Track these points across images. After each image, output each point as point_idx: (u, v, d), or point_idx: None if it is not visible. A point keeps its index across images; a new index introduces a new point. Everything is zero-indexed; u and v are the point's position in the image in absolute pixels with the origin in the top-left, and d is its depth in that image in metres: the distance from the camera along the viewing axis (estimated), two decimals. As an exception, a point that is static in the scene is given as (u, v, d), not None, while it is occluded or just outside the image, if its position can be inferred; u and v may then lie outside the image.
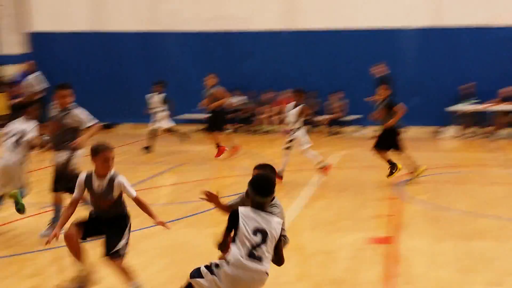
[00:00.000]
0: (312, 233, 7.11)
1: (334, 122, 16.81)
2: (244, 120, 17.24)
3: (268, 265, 4.07)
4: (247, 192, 4.21)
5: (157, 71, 17.38)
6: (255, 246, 4.00)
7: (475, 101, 15.83)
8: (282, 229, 4.19)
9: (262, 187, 4.16)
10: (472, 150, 13.95)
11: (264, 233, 4.03)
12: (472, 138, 15.37)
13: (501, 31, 16.12)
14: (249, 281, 4.00)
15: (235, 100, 17.26)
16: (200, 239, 6.70)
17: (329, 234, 7.00)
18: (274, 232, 4.07)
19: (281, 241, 4.21)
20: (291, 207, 8.14)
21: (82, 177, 5.00)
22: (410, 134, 16.80)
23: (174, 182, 10.50)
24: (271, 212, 4.22)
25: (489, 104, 15.60)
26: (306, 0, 17.23)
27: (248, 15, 17.51)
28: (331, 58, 16.92)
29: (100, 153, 4.90)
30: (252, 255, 3.99)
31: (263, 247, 4.01)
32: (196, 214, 7.82)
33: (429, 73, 16.53)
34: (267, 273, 4.06)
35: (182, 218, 7.68)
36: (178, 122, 17.94)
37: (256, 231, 4.03)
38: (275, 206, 4.46)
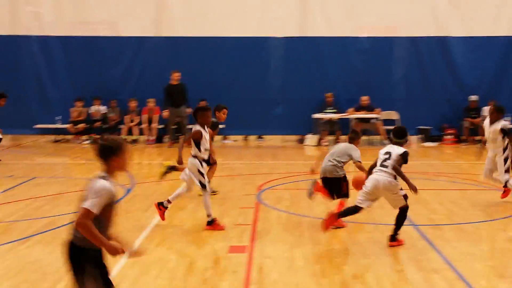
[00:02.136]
0: (172, 245, 6.99)
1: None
2: (108, 130, 16.76)
3: None
4: None
5: (16, 78, 16.48)
6: None
7: (332, 110, 16.58)
8: None
9: None
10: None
11: None
12: (328, 146, 16.05)
13: (361, 42, 17.05)
14: None
15: (97, 109, 16.76)
16: (53, 256, 6.33)
17: (190, 245, 6.94)
18: None
19: None
20: (152, 220, 7.98)
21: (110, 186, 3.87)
22: (275, 142, 17.39)
23: (26, 197, 9.87)
24: None
25: (347, 113, 16.45)
26: (174, 7, 17.07)
27: (114, 20, 17.06)
28: (198, 66, 16.89)
29: (126, 149, 3.99)
30: None
31: None
32: (50, 230, 7.42)
33: (295, 82, 17.05)
34: None
35: (34, 235, 7.25)
36: (38, 131, 17.20)
37: None
38: None
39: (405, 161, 6.87)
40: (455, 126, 16.78)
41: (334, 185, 7.85)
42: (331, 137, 16.57)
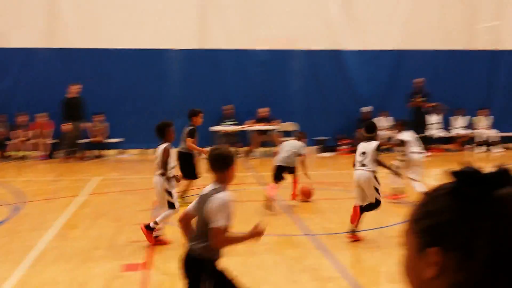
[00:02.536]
0: (64, 265, 6.65)
1: (94, 146, 16.31)
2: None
3: None
4: None
5: None
6: None
7: (231, 122, 16.64)
8: None
9: None
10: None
11: None
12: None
13: (259, 54, 17.22)
14: None
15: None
16: None
17: (83, 264, 6.63)
18: None
19: None
20: (42, 239, 7.57)
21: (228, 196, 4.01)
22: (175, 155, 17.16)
23: None
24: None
25: (246, 125, 16.54)
26: (68, 18, 16.53)
27: (2, 31, 16.23)
28: (94, 78, 16.38)
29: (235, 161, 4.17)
30: None
31: None
32: None
33: (194, 94, 16.91)
34: None
35: None
36: None
37: None
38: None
39: (380, 151, 7.72)
40: (350, 136, 17.32)
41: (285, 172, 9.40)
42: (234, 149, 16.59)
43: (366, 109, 17.23)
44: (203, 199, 4.00)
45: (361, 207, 7.54)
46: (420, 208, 1.20)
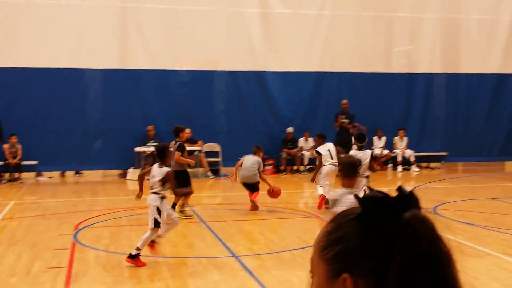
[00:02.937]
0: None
1: (10, 168, 15.64)
2: None
3: None
4: None
5: None
6: None
7: (154, 143, 16.35)
8: None
9: None
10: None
11: None
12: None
13: (181, 75, 17.10)
14: None
15: None
16: None
17: (-5, 294, 6.27)
18: None
19: None
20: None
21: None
22: (95, 177, 16.70)
23: None
24: None
25: (170, 146, 16.27)
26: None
27: None
28: (8, 98, 15.77)
29: None
30: None
31: None
32: None
33: (116, 115, 16.58)
34: None
35: None
36: None
37: None
38: None
39: (374, 159, 9.51)
40: (274, 157, 17.45)
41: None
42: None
43: (289, 129, 17.44)
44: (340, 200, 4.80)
45: None
46: (328, 235, 1.19)
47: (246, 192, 11.47)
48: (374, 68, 18.50)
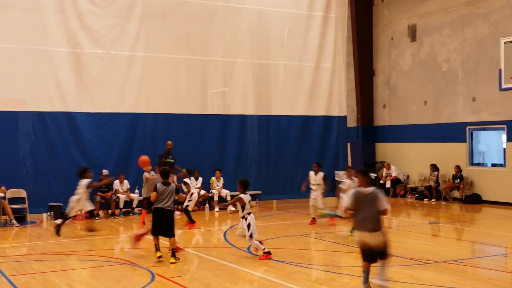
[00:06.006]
0: None
1: None
2: None
3: None
4: None
5: None
6: None
7: None
8: None
9: None
10: None
11: None
12: None
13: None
14: None
15: None
16: None
17: None
18: None
19: None
20: None
21: None
22: None
23: None
24: None
25: None
26: None
27: None
28: None
29: None
30: None
31: None
32: None
33: None
34: None
35: None
36: None
37: None
38: None
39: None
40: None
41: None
42: None
43: (105, 171, 16.78)
44: (372, 195, 7.44)
45: None
46: None
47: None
48: (190, 110, 18.67)
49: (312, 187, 14.53)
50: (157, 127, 18.11)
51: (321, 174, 14.46)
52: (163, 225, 10.11)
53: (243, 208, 10.34)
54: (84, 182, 13.37)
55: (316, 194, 14.40)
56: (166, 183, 10.25)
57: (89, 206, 13.79)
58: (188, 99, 18.78)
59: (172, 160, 16.83)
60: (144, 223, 14.27)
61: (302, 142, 20.40)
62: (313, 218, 14.65)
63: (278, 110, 20.12)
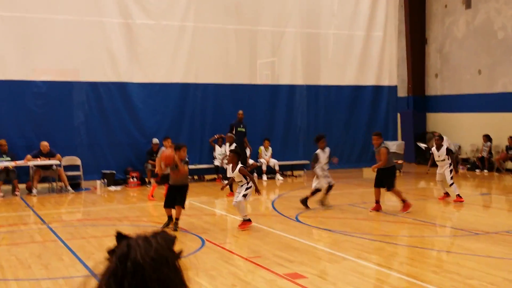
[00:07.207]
0: None
1: None
2: None
3: None
4: None
5: None
6: None
7: (6, 158, 15.31)
8: None
9: None
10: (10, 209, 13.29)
11: None
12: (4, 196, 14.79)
13: (37, 86, 16.16)
14: None
15: None
16: None
17: None
18: None
19: None
20: None
21: None
22: None
23: None
24: None
25: (25, 161, 15.32)
26: None
27: None
28: None
29: None
30: None
31: None
32: None
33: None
34: None
35: None
36: None
37: None
38: None
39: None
40: (139, 169, 17.06)
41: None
42: (7, 187, 15.25)
43: (155, 140, 17.09)
44: None
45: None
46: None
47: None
48: (238, 80, 18.73)
49: (437, 163, 14.04)
50: (207, 97, 18.25)
51: (444, 149, 13.97)
52: None
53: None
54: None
55: (442, 169, 13.83)
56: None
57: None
58: (237, 69, 18.83)
59: (244, 129, 16.99)
60: (152, 195, 14.28)
61: (352, 113, 20.22)
62: (445, 193, 13.89)
63: (327, 80, 19.96)
